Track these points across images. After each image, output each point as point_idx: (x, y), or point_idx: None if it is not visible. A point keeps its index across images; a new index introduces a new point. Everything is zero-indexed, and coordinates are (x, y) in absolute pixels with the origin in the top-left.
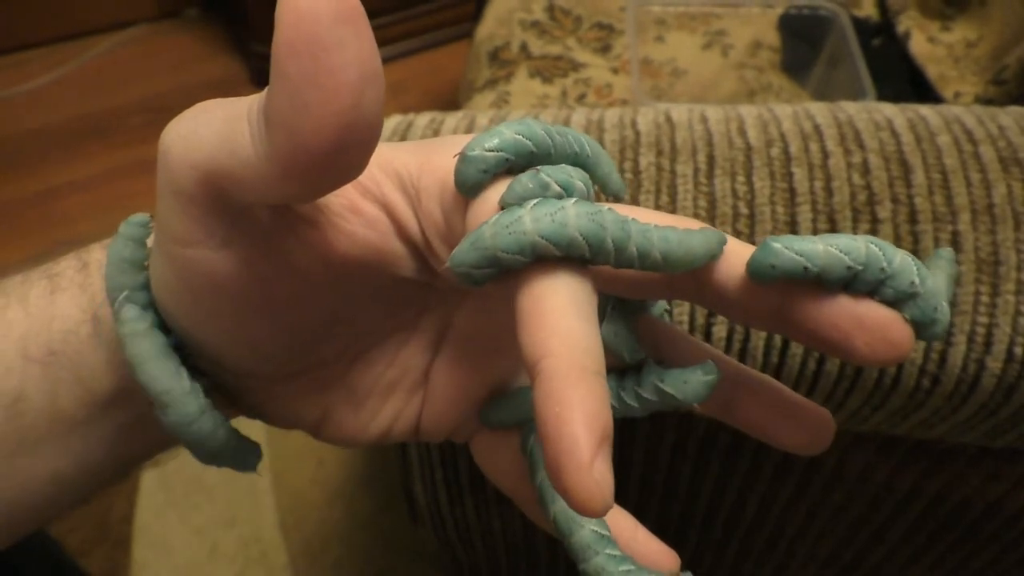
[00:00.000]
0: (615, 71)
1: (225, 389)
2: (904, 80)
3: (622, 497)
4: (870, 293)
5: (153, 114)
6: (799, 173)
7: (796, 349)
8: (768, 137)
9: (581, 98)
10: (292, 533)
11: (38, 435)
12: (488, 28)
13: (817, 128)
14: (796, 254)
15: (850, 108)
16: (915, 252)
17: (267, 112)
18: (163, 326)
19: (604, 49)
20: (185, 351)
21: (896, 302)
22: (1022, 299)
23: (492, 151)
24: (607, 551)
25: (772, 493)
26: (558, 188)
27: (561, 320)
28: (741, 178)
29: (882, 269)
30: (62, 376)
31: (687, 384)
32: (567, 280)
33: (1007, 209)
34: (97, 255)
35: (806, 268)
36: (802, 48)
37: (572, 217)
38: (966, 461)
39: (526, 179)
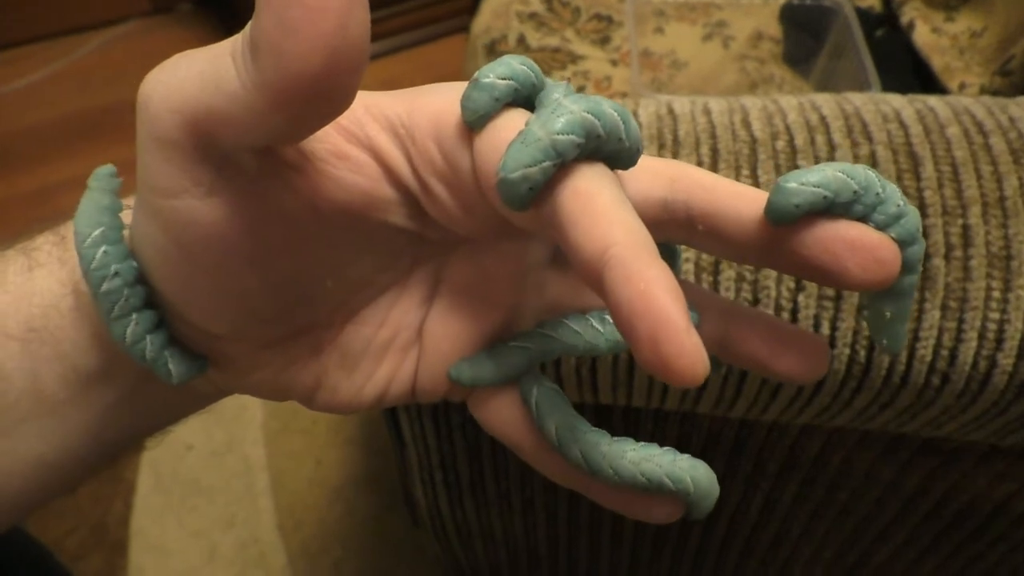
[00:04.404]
0: (614, 63)
1: (215, 360)
2: (908, 71)
3: None
4: (861, 218)
5: None
6: (805, 166)
7: None
8: (773, 129)
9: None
10: (291, 535)
11: (20, 415)
12: (485, 21)
13: (823, 120)
14: (814, 187)
15: (857, 100)
16: (925, 246)
17: (253, 39)
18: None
19: (603, 41)
20: (173, 323)
21: (884, 225)
22: None
23: (503, 79)
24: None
25: (776, 492)
26: None
27: (618, 213)
28: (746, 171)
29: (877, 194)
30: (43, 353)
31: None
32: (610, 178)
33: (1019, 202)
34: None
35: (825, 197)
36: (804, 39)
37: (602, 100)
38: (974, 460)
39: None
